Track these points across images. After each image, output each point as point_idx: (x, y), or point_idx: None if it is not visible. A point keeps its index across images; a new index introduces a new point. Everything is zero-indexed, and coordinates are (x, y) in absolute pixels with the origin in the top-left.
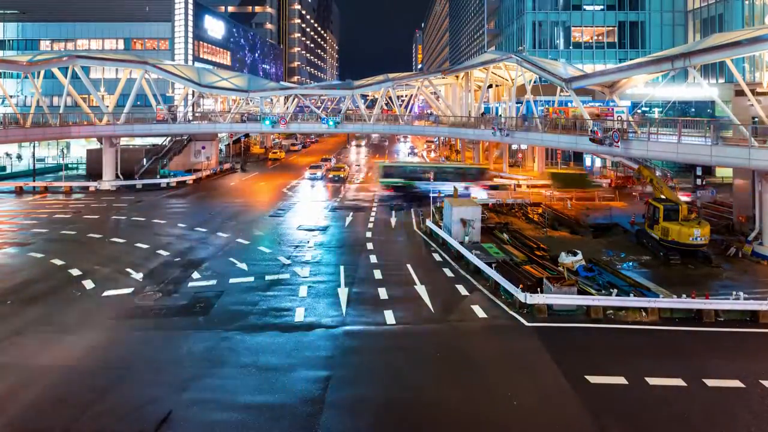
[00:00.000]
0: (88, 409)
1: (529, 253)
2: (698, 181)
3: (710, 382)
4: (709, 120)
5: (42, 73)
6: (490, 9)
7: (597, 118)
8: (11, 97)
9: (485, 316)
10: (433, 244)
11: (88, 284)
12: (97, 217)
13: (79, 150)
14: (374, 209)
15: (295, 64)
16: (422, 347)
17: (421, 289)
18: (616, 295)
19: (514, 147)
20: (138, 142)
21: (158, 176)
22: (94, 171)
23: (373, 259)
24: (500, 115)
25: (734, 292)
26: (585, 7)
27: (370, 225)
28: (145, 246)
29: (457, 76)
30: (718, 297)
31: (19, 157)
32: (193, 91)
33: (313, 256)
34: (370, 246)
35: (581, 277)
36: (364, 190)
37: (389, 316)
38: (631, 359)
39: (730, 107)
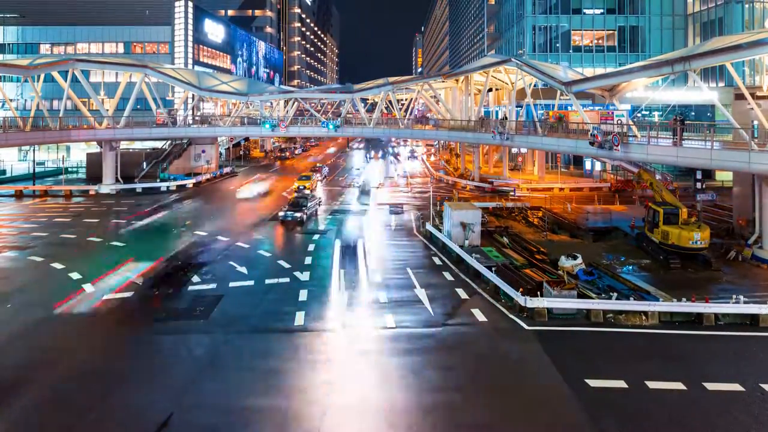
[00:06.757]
0: (89, 412)
1: (529, 257)
2: (698, 185)
3: (710, 386)
4: (709, 124)
5: (42, 76)
6: (489, 13)
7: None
8: (11, 100)
9: (485, 319)
10: (433, 248)
11: (88, 288)
12: (97, 220)
13: (79, 154)
14: (373, 212)
15: (295, 67)
16: (422, 351)
17: (420, 293)
18: (616, 299)
19: (514, 151)
20: (138, 145)
21: (158, 180)
22: (94, 174)
23: (373, 262)
24: (505, 118)
25: (734, 296)
26: (585, 11)
27: (370, 228)
28: (144, 249)
29: (456, 80)
30: (718, 300)
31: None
32: (193, 95)
33: (312, 259)
34: (370, 249)
35: (581, 280)
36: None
37: (389, 320)
38: (631, 363)
39: (730, 111)
